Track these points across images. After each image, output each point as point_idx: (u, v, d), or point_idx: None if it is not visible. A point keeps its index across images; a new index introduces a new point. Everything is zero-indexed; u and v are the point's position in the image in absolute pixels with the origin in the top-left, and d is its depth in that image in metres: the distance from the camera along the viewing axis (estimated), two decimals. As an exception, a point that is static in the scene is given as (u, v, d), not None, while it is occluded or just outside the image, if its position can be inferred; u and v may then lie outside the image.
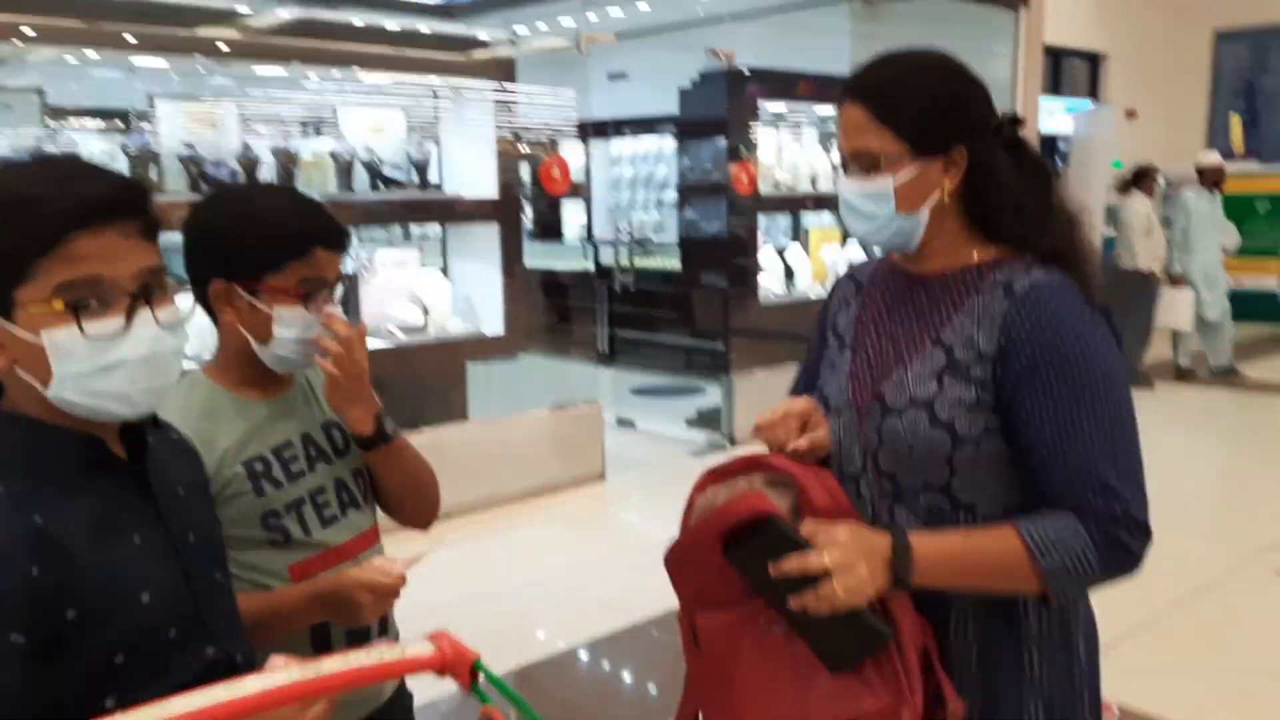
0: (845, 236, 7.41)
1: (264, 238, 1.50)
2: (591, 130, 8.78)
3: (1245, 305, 9.88)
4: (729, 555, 1.31)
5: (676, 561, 1.40)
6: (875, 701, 1.26)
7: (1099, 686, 1.48)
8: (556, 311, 9.12)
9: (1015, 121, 1.45)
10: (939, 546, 1.29)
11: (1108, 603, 4.38)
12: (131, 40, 3.96)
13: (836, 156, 6.12)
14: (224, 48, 4.24)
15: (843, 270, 1.66)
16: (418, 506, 1.77)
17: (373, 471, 1.69)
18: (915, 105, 1.37)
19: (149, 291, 1.07)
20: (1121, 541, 1.28)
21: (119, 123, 4.31)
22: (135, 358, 1.05)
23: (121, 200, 1.05)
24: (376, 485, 1.71)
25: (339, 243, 1.57)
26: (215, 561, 1.25)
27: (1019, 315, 1.33)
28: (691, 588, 1.39)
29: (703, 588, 1.37)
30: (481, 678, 1.01)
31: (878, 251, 1.56)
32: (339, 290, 1.60)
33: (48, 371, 1.03)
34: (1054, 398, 1.30)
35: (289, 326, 1.51)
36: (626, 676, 3.72)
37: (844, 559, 1.22)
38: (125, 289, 1.05)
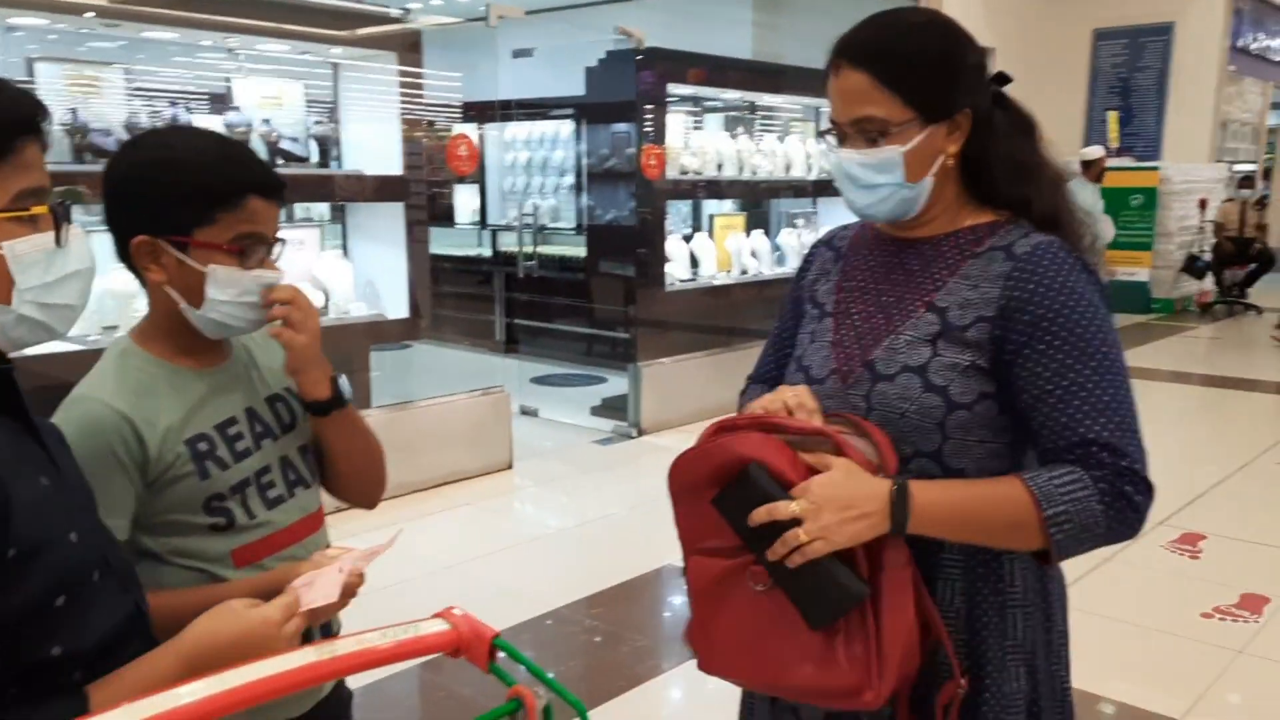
0: (750, 225, 7.46)
1: (190, 185, 1.34)
2: (489, 111, 8.62)
3: (1119, 296, 10.37)
4: (716, 504, 1.30)
5: (676, 490, 1.36)
6: (841, 679, 1.25)
7: (1069, 653, 1.48)
8: (451, 298, 8.94)
9: (1003, 78, 1.43)
10: (940, 493, 1.27)
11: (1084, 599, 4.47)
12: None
13: (744, 142, 6.18)
14: (110, 7, 3.96)
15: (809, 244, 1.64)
16: (367, 481, 1.67)
17: (323, 443, 1.57)
18: (921, 68, 1.32)
19: None
20: (1128, 496, 1.26)
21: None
22: (81, 269, 1.08)
23: (41, 112, 1.05)
24: (324, 459, 1.59)
25: (276, 193, 1.42)
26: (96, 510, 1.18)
27: (1021, 275, 1.31)
28: (687, 527, 1.37)
29: (696, 530, 1.35)
30: (501, 655, 0.93)
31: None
32: (279, 249, 1.46)
33: (6, 285, 1.00)
34: (1057, 357, 1.28)
35: (224, 287, 1.37)
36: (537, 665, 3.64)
37: (811, 505, 1.21)
38: (64, 199, 1.06)
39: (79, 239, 1.05)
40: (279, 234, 1.45)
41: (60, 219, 1.02)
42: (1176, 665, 3.50)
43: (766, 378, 1.61)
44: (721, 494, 1.29)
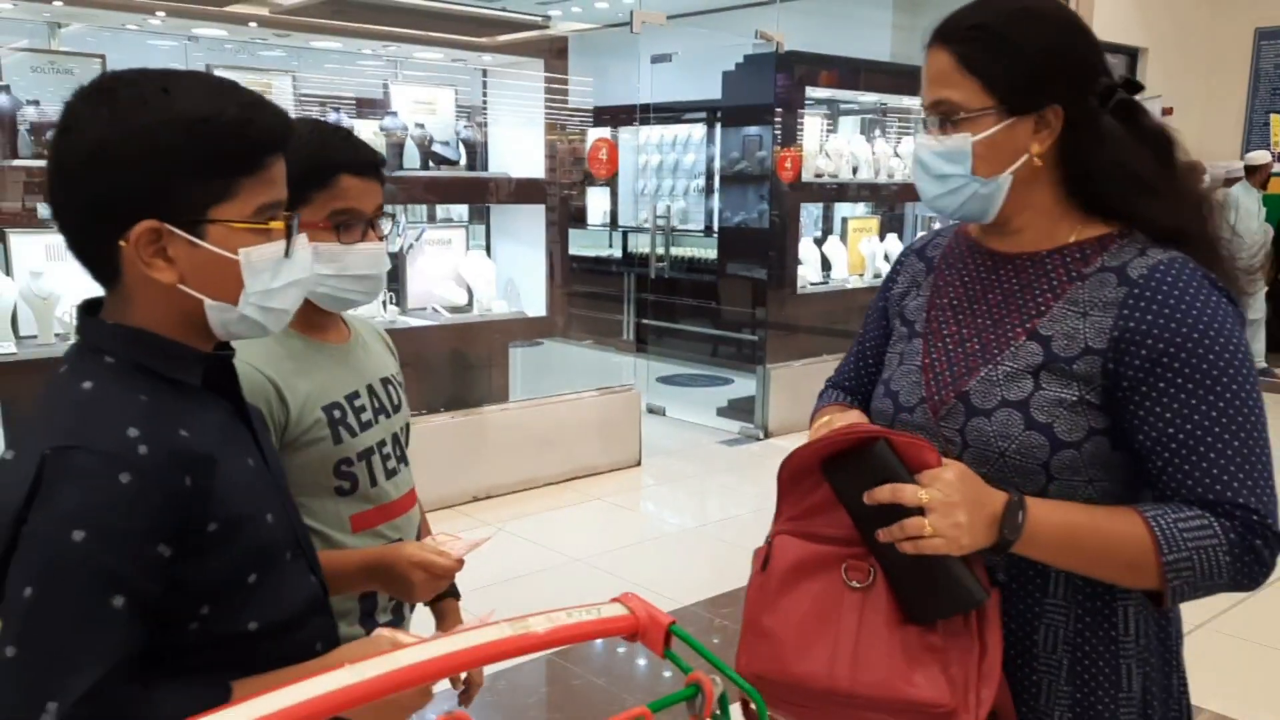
0: (884, 229, 7.36)
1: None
2: (624, 116, 8.74)
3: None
4: (825, 470, 1.23)
5: (785, 479, 1.30)
6: (930, 693, 1.16)
7: (1189, 701, 1.36)
8: (582, 297, 9.09)
9: (1132, 85, 1.27)
10: (1057, 515, 1.16)
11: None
12: (185, 7, 3.94)
13: (879, 145, 6.06)
14: (281, 19, 4.20)
15: (901, 248, 1.55)
16: None
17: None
18: (1008, 54, 1.21)
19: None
20: (1256, 549, 1.14)
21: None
22: (303, 277, 1.13)
23: (290, 128, 1.12)
24: None
25: (371, 170, 1.47)
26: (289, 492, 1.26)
27: (1138, 303, 1.18)
28: (786, 506, 1.30)
29: (798, 511, 1.27)
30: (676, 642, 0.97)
31: (936, 223, 1.47)
32: (388, 225, 1.52)
33: (236, 288, 1.06)
34: (1181, 395, 1.15)
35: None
36: (660, 661, 3.69)
37: (944, 498, 1.12)
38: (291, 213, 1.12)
39: (303, 250, 1.12)
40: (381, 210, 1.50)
41: (291, 232, 1.09)
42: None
43: (845, 386, 1.52)
44: (837, 462, 1.21)
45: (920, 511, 1.12)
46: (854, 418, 1.34)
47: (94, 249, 1.04)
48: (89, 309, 1.09)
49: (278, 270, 1.08)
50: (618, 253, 9.55)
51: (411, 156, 4.79)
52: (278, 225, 1.07)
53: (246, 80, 4.25)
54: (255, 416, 1.21)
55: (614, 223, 9.56)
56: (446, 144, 4.88)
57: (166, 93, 1.01)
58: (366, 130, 4.64)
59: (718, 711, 0.88)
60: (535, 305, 5.32)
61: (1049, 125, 1.23)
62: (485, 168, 5.17)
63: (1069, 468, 1.20)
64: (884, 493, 1.15)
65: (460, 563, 1.44)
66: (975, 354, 1.28)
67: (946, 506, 1.12)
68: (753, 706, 1.20)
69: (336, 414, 1.50)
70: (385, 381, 1.62)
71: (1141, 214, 1.24)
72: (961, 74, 1.22)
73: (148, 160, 1.00)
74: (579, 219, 9.30)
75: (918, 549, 1.13)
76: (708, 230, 8.53)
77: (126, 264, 1.03)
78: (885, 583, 1.21)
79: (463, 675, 1.57)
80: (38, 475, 0.94)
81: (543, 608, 0.97)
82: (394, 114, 4.72)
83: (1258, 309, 8.40)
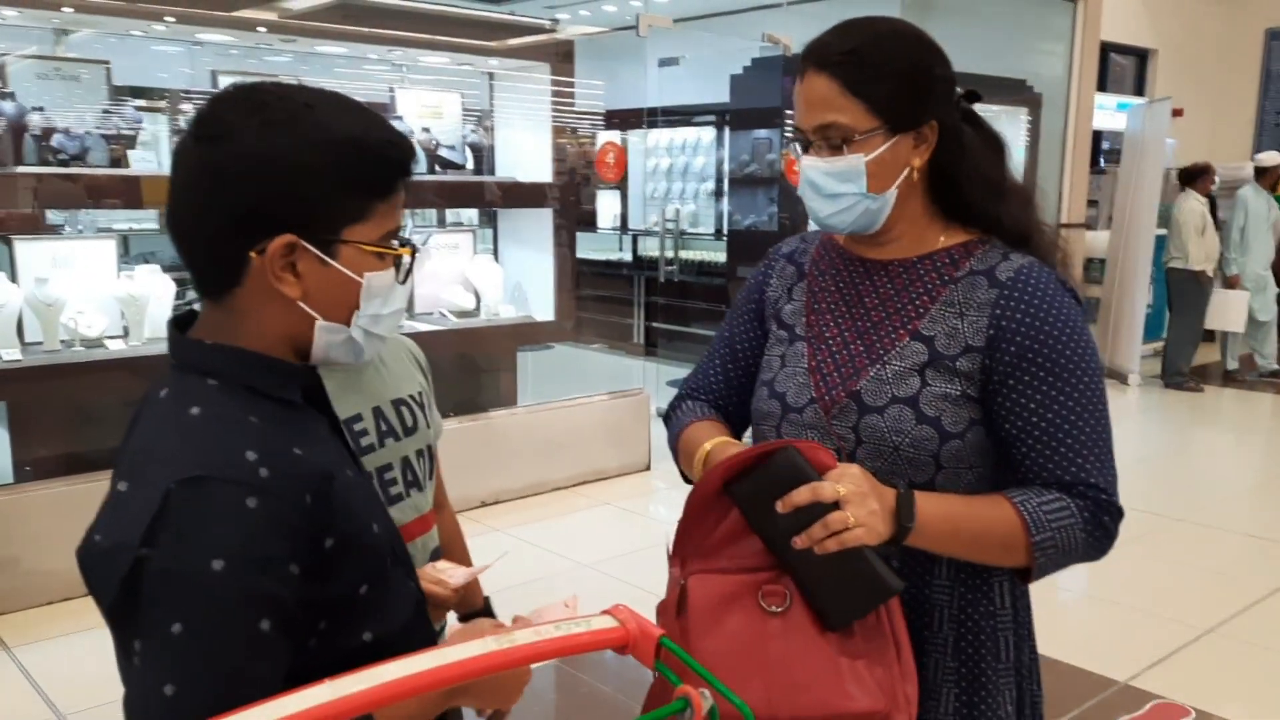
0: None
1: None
2: (633, 119, 8.74)
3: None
4: (730, 490, 1.23)
5: (686, 522, 1.29)
6: (866, 702, 1.19)
7: (1039, 666, 1.46)
8: (592, 301, 9.08)
9: (973, 95, 1.38)
10: (940, 506, 1.24)
11: (1177, 605, 4.34)
12: (190, 12, 3.95)
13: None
14: (286, 23, 4.21)
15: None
16: None
17: None
18: (889, 76, 1.27)
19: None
20: (1105, 525, 1.28)
21: (178, 99, 4.29)
22: (404, 307, 1.13)
23: (416, 154, 1.11)
24: None
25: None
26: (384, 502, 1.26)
27: (1008, 304, 1.29)
28: (691, 544, 1.29)
29: (702, 544, 1.27)
30: (666, 654, 0.96)
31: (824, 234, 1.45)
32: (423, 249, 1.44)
33: (350, 310, 1.06)
34: (1044, 387, 1.27)
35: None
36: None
37: (858, 489, 1.17)
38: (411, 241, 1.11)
39: (410, 280, 1.12)
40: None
41: (408, 259, 1.09)
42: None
43: (709, 390, 1.53)
44: (741, 480, 1.22)
45: (836, 507, 1.16)
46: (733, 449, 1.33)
47: (223, 258, 1.02)
48: (178, 326, 1.08)
49: (388, 297, 1.08)
50: (628, 256, 9.55)
51: (418, 161, 4.80)
52: (405, 251, 1.08)
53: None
54: (348, 431, 1.21)
55: (624, 226, 9.56)
56: (453, 148, 4.88)
57: (311, 109, 1.02)
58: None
59: (708, 727, 0.86)
60: (544, 309, 5.31)
61: (926, 139, 1.31)
62: (492, 172, 5.17)
63: (955, 457, 1.30)
64: (803, 494, 1.17)
65: (457, 593, 1.41)
66: (860, 355, 1.35)
67: (860, 496, 1.17)
68: None
69: None
70: (400, 403, 1.59)
71: (998, 217, 1.35)
72: (846, 97, 1.27)
73: (300, 175, 1.00)
74: (589, 222, 9.31)
75: (842, 543, 1.16)
76: (718, 233, 8.53)
77: (252, 276, 1.02)
78: (801, 602, 1.22)
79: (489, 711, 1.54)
80: (161, 510, 0.92)
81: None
82: (400, 119, 4.72)
83: (1268, 311, 8.34)
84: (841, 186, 1.30)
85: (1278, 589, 4.16)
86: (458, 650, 0.84)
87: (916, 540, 1.22)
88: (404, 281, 1.09)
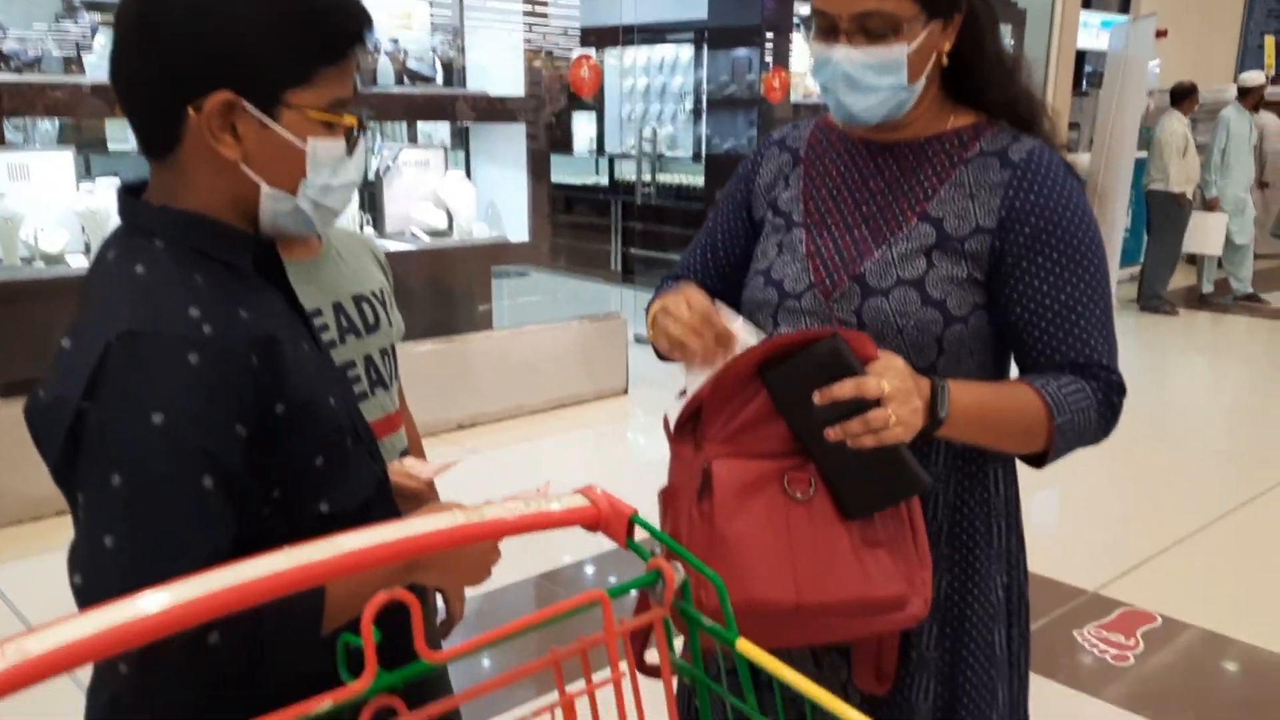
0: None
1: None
2: (609, 37, 8.56)
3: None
4: (765, 375, 1.18)
5: (712, 398, 1.22)
6: (889, 588, 1.18)
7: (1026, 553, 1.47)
8: (568, 226, 8.98)
9: None
10: (970, 395, 1.20)
11: (1147, 517, 4.42)
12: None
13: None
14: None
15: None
16: None
17: None
18: None
19: None
20: (1114, 405, 1.29)
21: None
22: (356, 180, 1.09)
23: (372, 23, 1.07)
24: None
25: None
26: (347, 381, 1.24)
27: (1021, 184, 1.27)
28: (715, 426, 1.22)
29: (726, 427, 1.21)
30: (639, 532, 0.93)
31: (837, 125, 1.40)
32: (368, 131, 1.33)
33: (296, 177, 1.03)
34: (1056, 270, 1.26)
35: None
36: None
37: (902, 386, 1.12)
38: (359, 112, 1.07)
39: (360, 153, 1.09)
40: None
41: (357, 130, 1.06)
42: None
43: (689, 277, 1.51)
44: (778, 366, 1.16)
45: (877, 404, 1.11)
46: (697, 296, 1.27)
47: (159, 115, 1.00)
48: (130, 192, 1.06)
49: (338, 168, 1.05)
50: (604, 180, 9.43)
51: (385, 73, 4.67)
52: (351, 120, 1.04)
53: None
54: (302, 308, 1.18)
55: (600, 149, 9.42)
56: (421, 60, 4.75)
57: None
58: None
59: (680, 599, 0.84)
60: (518, 230, 5.23)
61: (954, 24, 1.27)
62: (463, 85, 5.04)
63: (957, 341, 1.29)
64: (847, 387, 1.11)
65: (429, 485, 1.39)
66: (865, 239, 1.33)
67: (905, 394, 1.12)
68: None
69: None
70: (361, 300, 1.55)
71: (1013, 98, 1.33)
72: None
73: (239, 30, 0.97)
74: (564, 146, 9.17)
75: (880, 441, 1.12)
76: (696, 156, 8.41)
77: (190, 135, 0.99)
78: (825, 490, 1.19)
79: (441, 610, 1.52)
80: (100, 363, 0.92)
81: (530, 535, 0.93)
82: (368, 30, 4.58)
83: (1245, 234, 8.36)
84: (880, 79, 1.24)
85: (1244, 503, 4.23)
86: (423, 522, 0.81)
87: (946, 431, 1.19)
88: (352, 154, 1.06)
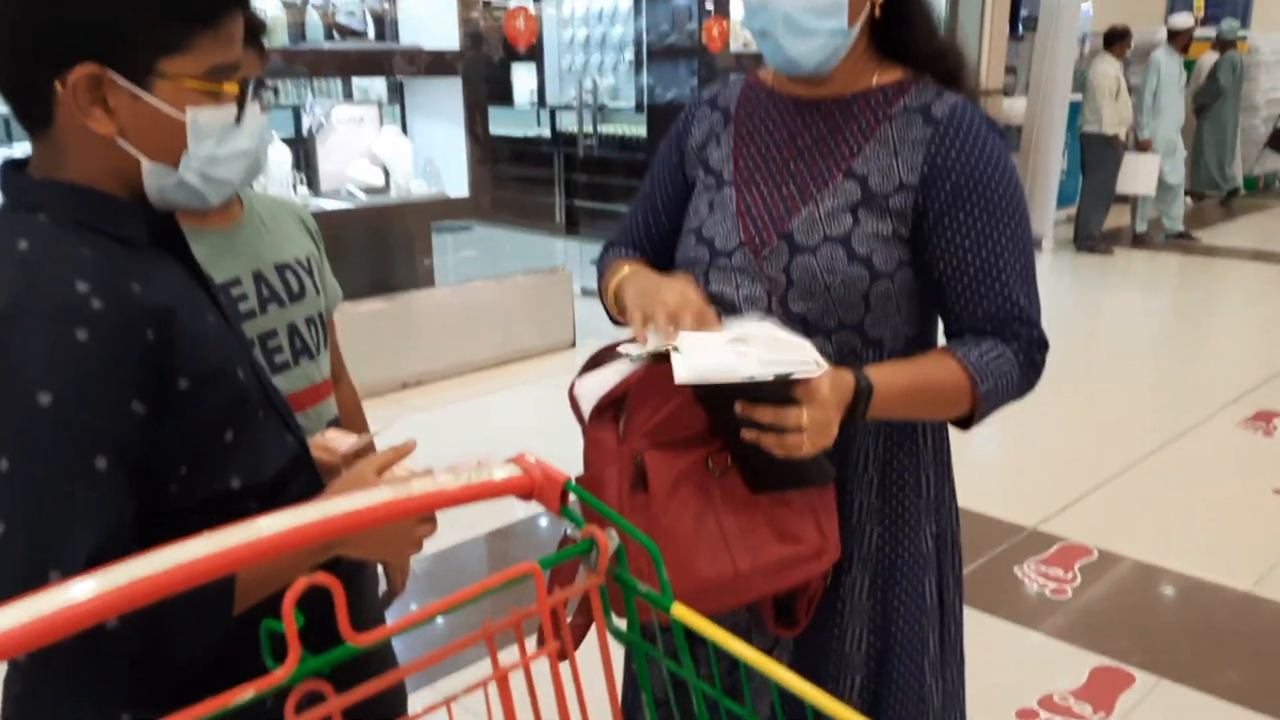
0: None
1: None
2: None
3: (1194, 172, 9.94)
4: (698, 391, 1.20)
5: (637, 394, 1.23)
6: (808, 542, 1.24)
7: (958, 502, 1.50)
8: (511, 180, 8.87)
9: None
10: (893, 381, 1.23)
11: (1083, 454, 4.52)
12: None
13: None
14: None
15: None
16: None
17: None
18: None
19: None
20: (1035, 362, 1.31)
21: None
22: (251, 149, 1.04)
23: None
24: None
25: (253, 18, 1.26)
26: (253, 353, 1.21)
27: (943, 141, 1.27)
28: (639, 419, 1.23)
29: (661, 422, 1.22)
30: (572, 499, 0.93)
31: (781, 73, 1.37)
32: (267, 96, 1.25)
33: (178, 149, 0.98)
34: (978, 226, 1.27)
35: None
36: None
37: (823, 417, 1.14)
38: (245, 78, 1.02)
39: (256, 119, 1.04)
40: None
41: (245, 97, 1.01)
42: (1246, 541, 3.46)
43: (634, 244, 1.51)
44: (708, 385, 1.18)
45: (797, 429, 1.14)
46: (643, 271, 1.30)
47: (28, 91, 0.96)
48: (12, 166, 1.01)
49: (225, 137, 1.00)
50: (546, 132, 9.31)
51: (315, 29, 4.54)
52: (231, 88, 0.99)
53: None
54: (208, 277, 1.14)
55: (541, 101, 9.28)
56: (352, 14, 4.63)
57: None
58: (267, 4, 4.37)
59: (615, 566, 0.84)
60: (458, 186, 5.16)
61: None
62: (396, 40, 4.93)
63: (884, 297, 1.29)
64: (766, 415, 1.13)
65: (346, 458, 1.37)
66: (792, 196, 1.32)
67: (823, 424, 1.14)
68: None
69: None
70: (284, 268, 1.51)
71: (940, 52, 1.32)
72: None
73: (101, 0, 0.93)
74: (504, 98, 9.02)
75: (789, 455, 1.15)
76: (638, 107, 8.33)
77: (61, 110, 0.95)
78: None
79: (382, 583, 1.51)
80: None
81: None
82: (294, -17, 4.45)
83: (1177, 174, 8.51)
84: (821, 22, 1.24)
85: (1174, 437, 4.36)
86: (346, 501, 0.80)
87: (870, 417, 1.23)
88: (242, 121, 1.02)
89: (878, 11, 1.28)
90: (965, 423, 1.32)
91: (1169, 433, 4.41)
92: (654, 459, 1.20)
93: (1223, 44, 9.78)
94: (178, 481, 0.98)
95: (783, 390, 1.14)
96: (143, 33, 0.94)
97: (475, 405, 4.84)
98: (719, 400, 1.17)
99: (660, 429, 1.22)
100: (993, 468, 4.08)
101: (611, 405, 1.24)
